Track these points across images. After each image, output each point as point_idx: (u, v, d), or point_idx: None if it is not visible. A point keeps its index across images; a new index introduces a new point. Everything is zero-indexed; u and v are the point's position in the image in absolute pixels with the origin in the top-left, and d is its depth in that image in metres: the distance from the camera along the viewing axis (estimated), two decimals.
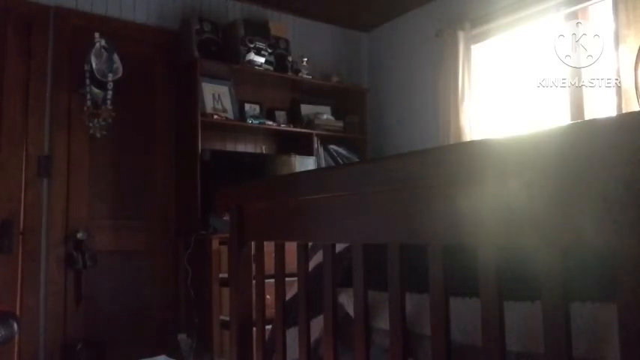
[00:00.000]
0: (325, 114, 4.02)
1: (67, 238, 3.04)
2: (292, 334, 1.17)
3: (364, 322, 0.91)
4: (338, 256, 1.03)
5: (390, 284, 0.85)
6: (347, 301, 1.08)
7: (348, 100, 4.18)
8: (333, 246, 1.01)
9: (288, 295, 1.25)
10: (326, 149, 3.94)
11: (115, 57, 3.11)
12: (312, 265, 1.21)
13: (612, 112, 2.84)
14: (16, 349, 2.81)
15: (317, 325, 1.11)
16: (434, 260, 0.77)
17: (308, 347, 1.07)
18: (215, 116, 3.45)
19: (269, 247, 1.22)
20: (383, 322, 0.97)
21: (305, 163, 3.70)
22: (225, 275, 2.84)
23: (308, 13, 4.13)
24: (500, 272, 0.69)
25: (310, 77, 3.86)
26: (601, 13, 3.02)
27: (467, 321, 0.84)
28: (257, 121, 3.62)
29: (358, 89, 4.26)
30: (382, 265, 0.87)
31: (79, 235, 3.03)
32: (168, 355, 3.07)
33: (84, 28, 3.16)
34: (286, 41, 3.80)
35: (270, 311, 1.21)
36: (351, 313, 1.02)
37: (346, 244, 1.10)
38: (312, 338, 1.10)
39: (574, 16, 3.09)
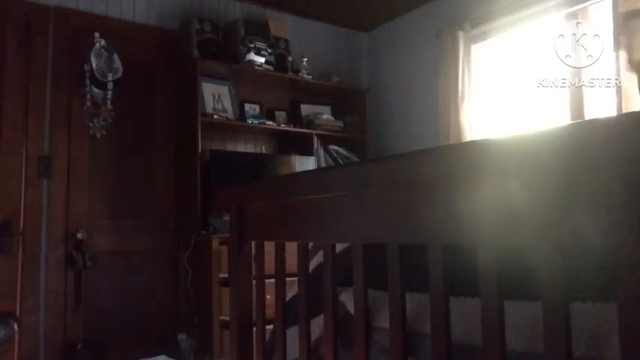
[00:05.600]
0: (325, 114, 4.02)
1: (67, 238, 3.04)
2: (292, 334, 1.17)
3: (364, 322, 0.91)
4: (338, 255, 1.03)
5: (390, 284, 0.85)
6: (348, 299, 1.08)
7: (348, 100, 4.18)
8: (333, 246, 1.01)
9: (289, 295, 1.25)
10: (326, 149, 3.94)
11: (115, 57, 3.11)
12: (312, 265, 1.21)
13: (612, 112, 2.83)
14: (16, 349, 2.81)
15: (317, 324, 1.11)
16: (434, 260, 0.77)
17: (308, 347, 1.07)
18: (215, 116, 3.45)
19: (269, 247, 1.22)
20: (384, 321, 0.97)
21: (305, 163, 3.70)
22: (225, 275, 2.84)
23: (308, 13, 4.12)
24: (501, 272, 0.69)
25: (310, 77, 3.86)
26: (601, 13, 3.02)
27: (468, 320, 0.84)
28: (257, 121, 3.62)
29: (358, 89, 4.26)
30: (383, 265, 0.87)
31: (79, 235, 3.02)
32: (169, 355, 3.07)
33: (84, 28, 3.16)
34: (286, 41, 3.80)
35: (270, 311, 1.21)
36: (352, 311, 1.02)
37: (347, 244, 1.10)
38: (313, 338, 1.10)
39: (574, 16, 3.09)
